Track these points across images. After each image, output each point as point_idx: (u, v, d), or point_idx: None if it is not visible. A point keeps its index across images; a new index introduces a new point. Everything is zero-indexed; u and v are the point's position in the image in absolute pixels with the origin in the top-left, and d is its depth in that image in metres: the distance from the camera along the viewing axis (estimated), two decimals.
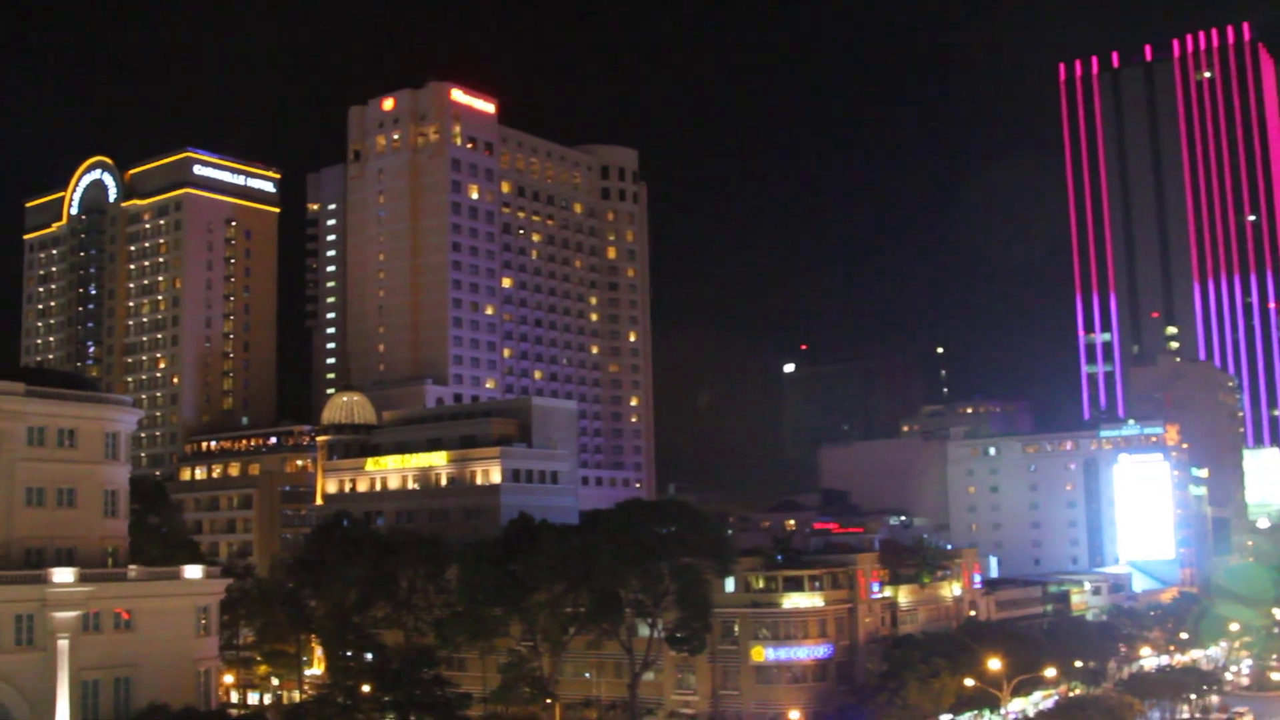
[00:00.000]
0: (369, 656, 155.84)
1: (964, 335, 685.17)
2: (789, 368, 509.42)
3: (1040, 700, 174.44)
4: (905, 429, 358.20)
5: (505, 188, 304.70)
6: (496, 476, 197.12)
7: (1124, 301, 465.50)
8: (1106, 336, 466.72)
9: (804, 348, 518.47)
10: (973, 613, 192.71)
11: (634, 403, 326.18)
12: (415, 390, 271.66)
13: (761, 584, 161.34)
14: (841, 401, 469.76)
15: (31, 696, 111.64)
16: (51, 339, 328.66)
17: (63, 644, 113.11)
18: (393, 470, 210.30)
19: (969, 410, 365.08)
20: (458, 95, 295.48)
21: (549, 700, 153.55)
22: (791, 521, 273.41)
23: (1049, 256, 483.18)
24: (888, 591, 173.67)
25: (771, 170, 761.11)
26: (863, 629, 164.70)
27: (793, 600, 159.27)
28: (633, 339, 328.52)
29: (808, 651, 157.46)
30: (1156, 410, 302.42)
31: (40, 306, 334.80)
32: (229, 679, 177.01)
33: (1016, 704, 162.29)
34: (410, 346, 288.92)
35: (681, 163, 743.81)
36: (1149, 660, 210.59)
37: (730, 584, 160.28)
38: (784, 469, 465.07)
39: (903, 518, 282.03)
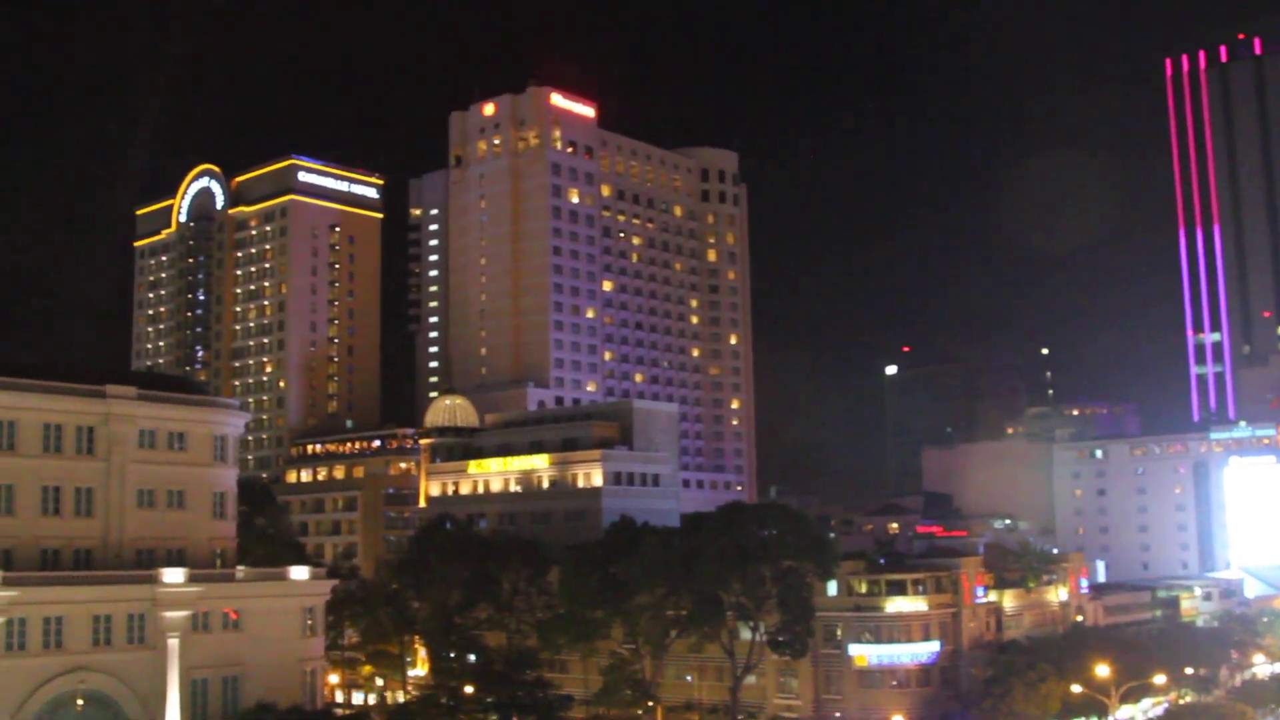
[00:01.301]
0: (472, 658, 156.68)
1: (1070, 336, 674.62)
2: (891, 369, 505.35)
3: (1150, 708, 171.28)
4: (1010, 431, 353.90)
5: (605, 191, 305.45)
6: (598, 479, 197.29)
7: (1234, 301, 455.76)
8: (1216, 336, 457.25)
9: (906, 349, 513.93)
10: (1079, 618, 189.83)
11: (735, 405, 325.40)
12: (517, 393, 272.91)
13: (864, 587, 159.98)
14: (944, 403, 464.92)
15: (143, 694, 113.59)
16: (161, 344, 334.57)
17: (173, 643, 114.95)
18: (495, 473, 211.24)
19: (1075, 412, 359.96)
20: (557, 100, 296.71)
21: (650, 703, 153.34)
22: (894, 524, 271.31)
23: (1156, 256, 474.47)
24: (992, 596, 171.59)
25: (872, 169, 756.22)
26: (967, 634, 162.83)
27: (896, 604, 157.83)
28: (733, 341, 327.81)
29: (911, 656, 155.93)
30: (1268, 412, 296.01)
31: (150, 312, 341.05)
32: (334, 679, 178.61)
33: (1125, 711, 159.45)
34: (512, 350, 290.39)
35: (782, 164, 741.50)
36: (1262, 667, 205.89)
37: (833, 587, 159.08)
38: (886, 472, 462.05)
39: (1007, 521, 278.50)
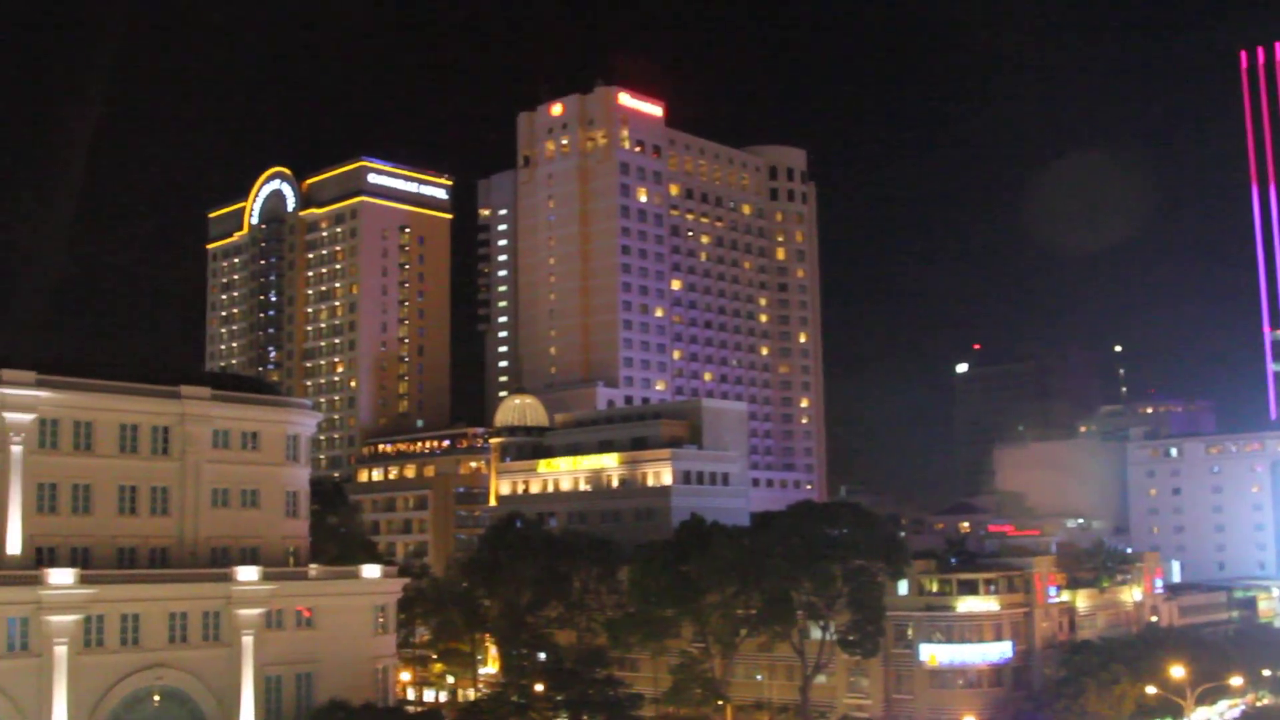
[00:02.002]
0: (542, 656, 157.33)
1: (1144, 333, 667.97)
2: (962, 367, 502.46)
3: (1226, 710, 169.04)
4: (1083, 429, 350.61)
5: (673, 190, 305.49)
6: (667, 478, 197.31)
7: None
8: None
9: (977, 347, 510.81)
10: (1154, 618, 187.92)
11: (804, 404, 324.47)
12: (586, 392, 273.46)
13: (935, 587, 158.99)
14: (1016, 401, 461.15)
15: (218, 690, 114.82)
16: (234, 345, 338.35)
17: (247, 640, 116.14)
18: (565, 472, 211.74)
19: (1149, 410, 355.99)
20: (625, 99, 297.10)
21: (720, 702, 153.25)
22: (965, 523, 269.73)
23: (1234, 253, 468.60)
24: (1065, 596, 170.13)
25: (942, 166, 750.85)
26: (1039, 633, 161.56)
27: (968, 604, 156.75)
28: (803, 339, 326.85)
29: (983, 656, 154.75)
30: None
31: (223, 314, 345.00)
32: (405, 676, 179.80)
33: (1201, 713, 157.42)
34: (581, 349, 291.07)
35: (851, 161, 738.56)
36: None
37: (903, 587, 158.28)
38: (957, 470, 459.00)
39: (1080, 520, 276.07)
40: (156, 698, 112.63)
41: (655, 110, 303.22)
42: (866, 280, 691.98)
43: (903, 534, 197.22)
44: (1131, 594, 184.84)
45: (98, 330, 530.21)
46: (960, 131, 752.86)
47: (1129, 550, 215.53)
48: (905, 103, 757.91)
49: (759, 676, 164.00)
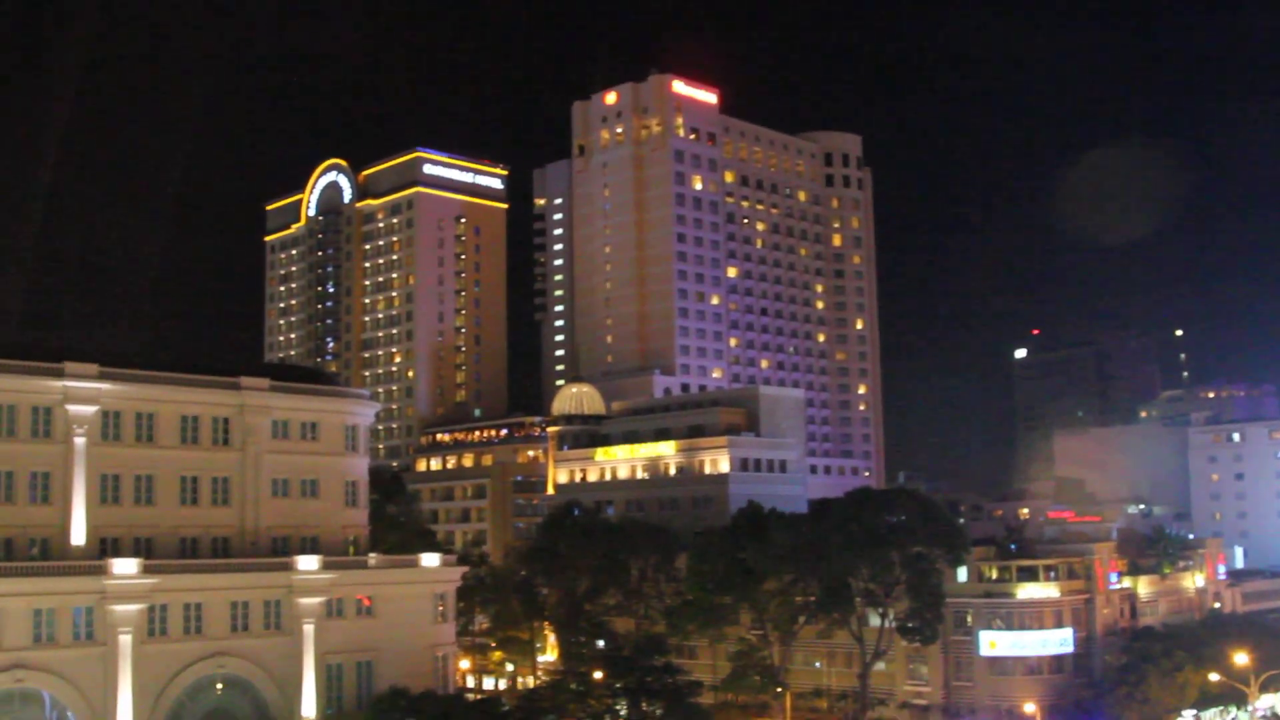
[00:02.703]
0: (601, 643, 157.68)
1: (1206, 318, 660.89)
2: (1020, 353, 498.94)
3: None
4: (1144, 415, 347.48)
5: (729, 177, 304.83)
6: (725, 465, 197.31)
7: None
8: None
9: (1035, 332, 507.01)
10: (1217, 605, 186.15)
11: (862, 390, 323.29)
12: (643, 380, 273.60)
13: (995, 574, 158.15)
14: (1076, 387, 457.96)
15: (279, 678, 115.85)
16: (292, 336, 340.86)
17: (308, 629, 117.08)
18: (622, 460, 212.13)
19: (1211, 395, 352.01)
20: (679, 87, 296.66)
21: (779, 689, 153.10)
22: (1025, 510, 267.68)
23: None
24: (1126, 582, 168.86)
25: (999, 151, 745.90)
26: (1100, 620, 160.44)
27: (1027, 590, 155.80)
28: (859, 326, 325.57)
29: (1043, 643, 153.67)
30: None
31: (281, 305, 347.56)
32: (465, 664, 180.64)
33: (1265, 700, 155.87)
34: (637, 337, 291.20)
35: (906, 146, 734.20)
36: None
37: (963, 573, 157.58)
38: (1016, 457, 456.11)
39: (1141, 506, 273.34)
40: (219, 686, 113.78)
41: (710, 97, 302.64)
42: (923, 266, 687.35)
43: (961, 520, 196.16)
44: (1193, 580, 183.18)
45: (159, 323, 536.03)
46: (1016, 114, 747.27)
47: (1191, 536, 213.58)
48: (960, 86, 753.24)
49: (817, 664, 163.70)
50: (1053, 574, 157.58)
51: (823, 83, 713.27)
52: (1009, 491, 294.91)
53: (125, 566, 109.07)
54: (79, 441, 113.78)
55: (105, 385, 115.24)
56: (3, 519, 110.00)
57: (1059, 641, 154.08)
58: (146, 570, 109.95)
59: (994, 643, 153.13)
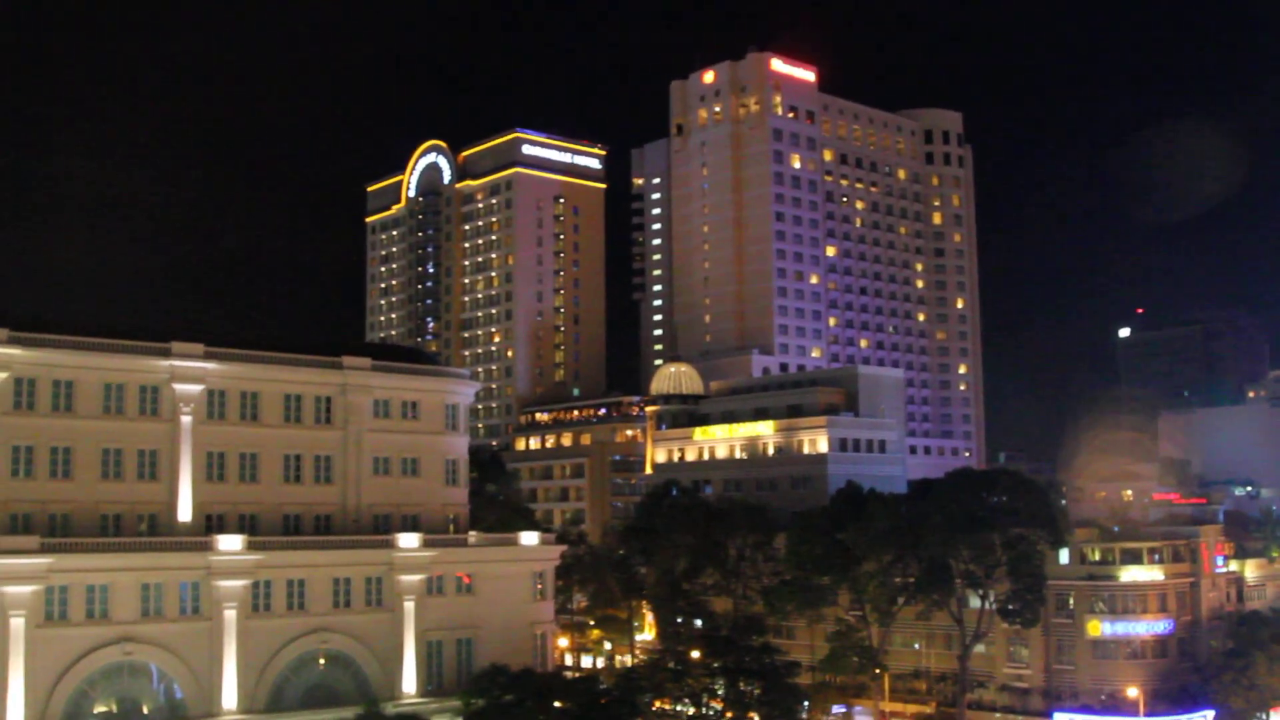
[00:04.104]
0: (698, 623, 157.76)
1: None
2: (1124, 332, 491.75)
3: None
4: (1251, 395, 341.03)
5: (827, 156, 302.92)
6: (823, 446, 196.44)
7: None
8: None
9: (1140, 311, 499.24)
10: None
11: (962, 370, 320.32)
12: (741, 360, 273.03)
13: (1098, 556, 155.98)
14: (1181, 366, 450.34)
15: (380, 654, 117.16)
16: (393, 316, 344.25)
17: (409, 605, 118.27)
18: (720, 440, 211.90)
19: None
20: (777, 65, 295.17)
21: (877, 670, 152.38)
22: (1128, 492, 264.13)
23: None
24: (1233, 565, 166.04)
25: (1103, 127, 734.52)
26: (1205, 604, 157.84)
27: (1131, 573, 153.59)
28: (960, 305, 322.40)
29: (1147, 626, 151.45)
30: None
31: (382, 285, 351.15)
32: (563, 642, 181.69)
33: None
34: (735, 317, 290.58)
35: (1008, 122, 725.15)
36: None
37: (1064, 555, 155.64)
38: (1120, 437, 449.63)
39: (1249, 488, 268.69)
40: (322, 661, 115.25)
41: (808, 75, 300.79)
42: (1025, 244, 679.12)
43: (1063, 501, 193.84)
44: None
45: (262, 304, 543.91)
46: (1120, 88, 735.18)
47: None
48: (1060, 60, 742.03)
49: (916, 645, 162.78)
50: (1157, 557, 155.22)
51: (923, 59, 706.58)
52: (1113, 472, 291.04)
53: (230, 543, 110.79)
54: (185, 420, 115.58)
55: (211, 365, 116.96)
56: (112, 496, 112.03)
57: (1163, 624, 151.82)
58: (251, 547, 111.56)
59: (1096, 625, 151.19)
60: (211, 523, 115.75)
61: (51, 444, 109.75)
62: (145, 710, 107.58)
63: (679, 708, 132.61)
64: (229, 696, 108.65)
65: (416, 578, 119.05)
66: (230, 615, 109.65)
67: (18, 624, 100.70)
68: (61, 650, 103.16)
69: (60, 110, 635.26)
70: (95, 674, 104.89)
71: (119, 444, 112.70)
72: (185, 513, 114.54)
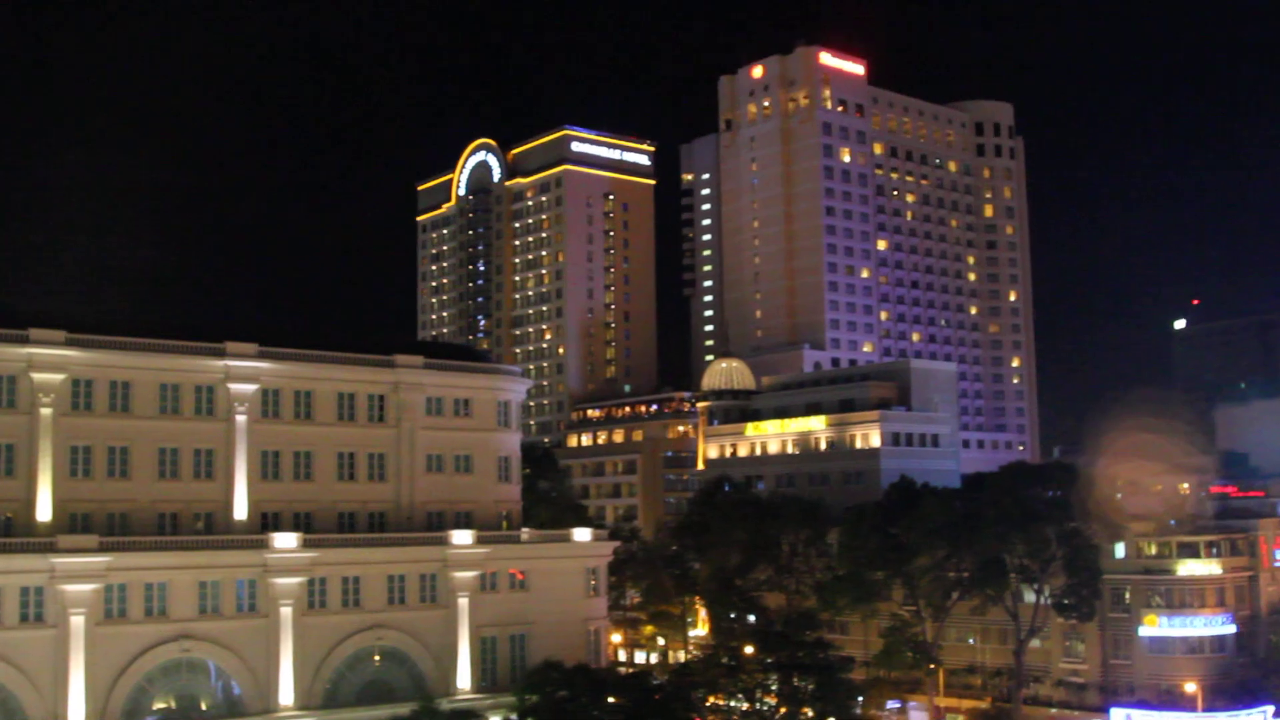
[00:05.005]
0: (752, 618, 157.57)
1: None
2: (1180, 324, 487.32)
3: None
4: None
5: (877, 149, 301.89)
6: (876, 440, 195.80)
7: None
8: None
9: (1195, 302, 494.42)
10: None
11: (1015, 363, 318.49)
12: (793, 355, 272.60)
13: (1154, 550, 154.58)
14: (1239, 358, 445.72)
15: (435, 650, 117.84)
16: (445, 314, 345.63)
17: (463, 602, 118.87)
18: (772, 435, 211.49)
19: None
20: (826, 59, 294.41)
21: (932, 665, 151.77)
22: (1185, 485, 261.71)
23: None
24: None
25: (1157, 113, 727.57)
26: (1265, 599, 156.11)
27: (1188, 567, 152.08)
28: (1013, 298, 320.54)
29: (1204, 621, 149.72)
30: None
31: (433, 284, 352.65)
32: (617, 638, 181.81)
33: None
34: (786, 312, 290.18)
35: (1059, 114, 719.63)
36: None
37: (1120, 550, 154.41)
38: (1175, 430, 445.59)
39: None
40: (377, 658, 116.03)
41: (857, 69, 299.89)
42: (1078, 236, 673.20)
43: (1119, 495, 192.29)
44: None
45: (314, 304, 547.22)
46: (1173, 78, 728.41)
47: None
48: (1112, 50, 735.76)
49: (971, 640, 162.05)
50: (1215, 550, 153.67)
51: (973, 50, 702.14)
52: (1169, 466, 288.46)
53: (286, 540, 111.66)
54: (240, 419, 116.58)
55: (265, 364, 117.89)
56: (169, 494, 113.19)
57: (1221, 619, 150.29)
58: (306, 544, 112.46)
59: (1153, 620, 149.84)
60: (267, 521, 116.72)
61: (109, 444, 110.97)
62: (203, 706, 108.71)
63: (733, 703, 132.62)
64: (285, 693, 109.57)
65: (470, 574, 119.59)
66: (286, 612, 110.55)
67: (78, 622, 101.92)
68: (121, 647, 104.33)
69: (103, 105, 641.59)
70: (154, 671, 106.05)
71: (175, 443, 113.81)
72: (241, 511, 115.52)
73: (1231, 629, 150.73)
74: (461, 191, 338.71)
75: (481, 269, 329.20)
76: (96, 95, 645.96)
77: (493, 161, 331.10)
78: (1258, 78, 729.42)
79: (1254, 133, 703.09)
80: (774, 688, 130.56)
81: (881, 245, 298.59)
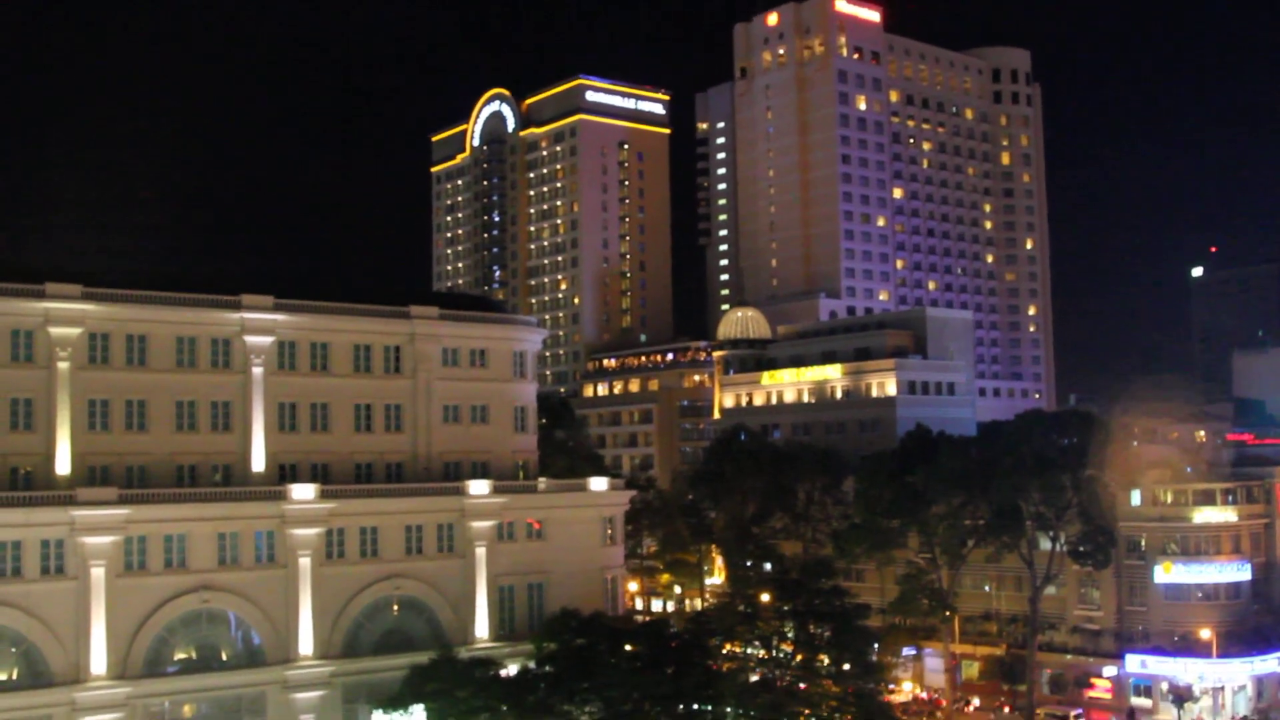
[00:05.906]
0: (768, 566, 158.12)
1: None
2: (1197, 271, 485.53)
3: None
4: None
5: (893, 97, 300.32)
6: (892, 389, 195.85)
7: None
8: None
9: (1213, 250, 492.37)
10: None
11: (1032, 311, 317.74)
12: (808, 304, 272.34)
13: (1170, 497, 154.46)
14: (1256, 305, 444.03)
15: (453, 599, 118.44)
16: (460, 265, 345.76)
17: (480, 551, 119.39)
18: (788, 384, 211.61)
19: None
20: (842, 5, 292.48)
21: (947, 613, 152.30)
22: (1202, 433, 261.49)
23: None
24: None
25: (1174, 59, 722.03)
26: None
27: (1204, 515, 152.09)
28: (1029, 246, 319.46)
29: (1220, 569, 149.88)
30: None
31: (448, 235, 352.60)
32: (634, 587, 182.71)
33: None
34: (802, 261, 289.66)
35: (1077, 60, 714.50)
36: None
37: (1136, 497, 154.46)
38: (1192, 377, 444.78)
39: None
40: (395, 607, 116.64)
41: (873, 15, 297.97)
42: (1095, 183, 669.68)
43: (1135, 443, 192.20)
44: None
45: (329, 255, 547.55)
46: (1188, 24, 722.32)
47: None
48: None
49: (986, 587, 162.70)
50: (1230, 498, 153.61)
51: None
52: (1185, 413, 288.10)
53: (303, 492, 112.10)
54: (256, 371, 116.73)
55: (280, 316, 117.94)
56: (187, 447, 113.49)
57: (1236, 566, 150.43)
58: (324, 495, 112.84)
59: (1168, 567, 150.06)
60: (284, 472, 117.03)
61: (127, 397, 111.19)
62: (224, 656, 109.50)
63: (749, 650, 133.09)
64: (305, 642, 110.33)
65: (487, 524, 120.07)
66: (305, 562, 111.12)
67: (98, 574, 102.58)
68: (141, 599, 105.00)
69: (122, 59, 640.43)
70: (174, 622, 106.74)
71: (192, 396, 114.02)
72: (259, 463, 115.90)
73: (1247, 576, 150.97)
74: (476, 142, 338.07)
75: (496, 219, 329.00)
76: (117, 54, 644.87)
77: (507, 112, 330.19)
78: (1274, 23, 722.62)
79: (1272, 77, 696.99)
80: (790, 635, 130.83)
81: (897, 193, 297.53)
